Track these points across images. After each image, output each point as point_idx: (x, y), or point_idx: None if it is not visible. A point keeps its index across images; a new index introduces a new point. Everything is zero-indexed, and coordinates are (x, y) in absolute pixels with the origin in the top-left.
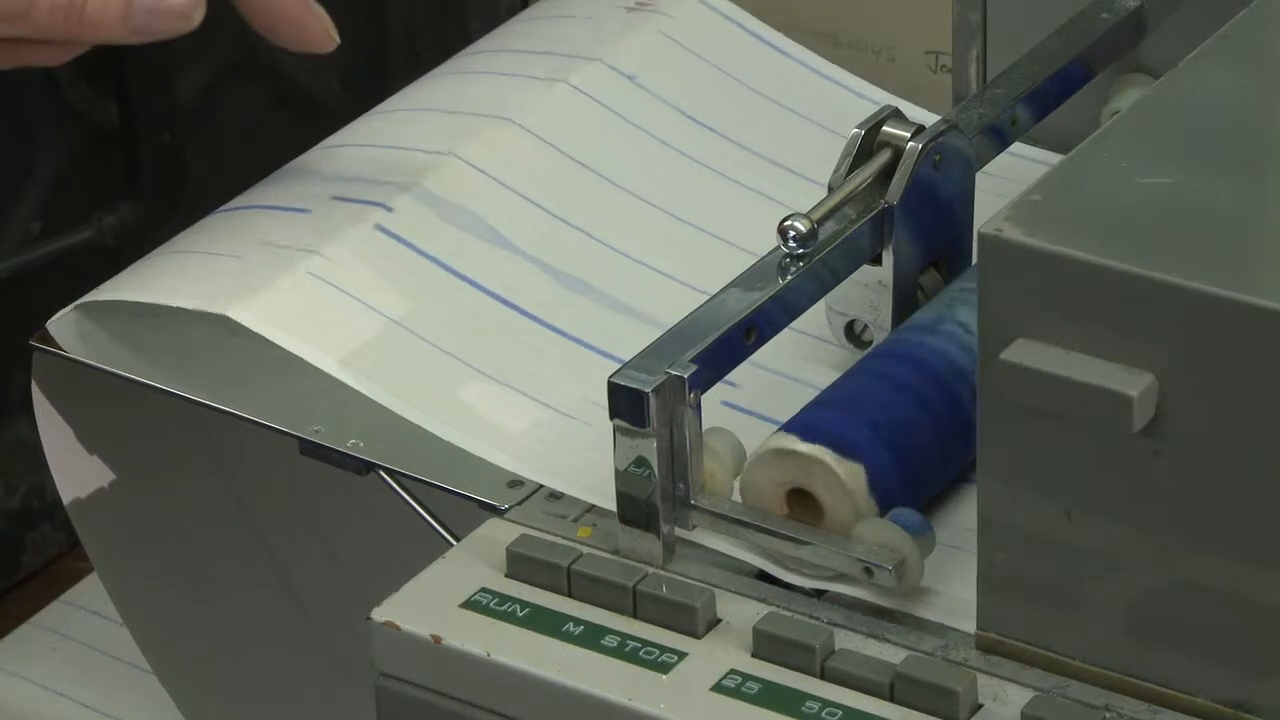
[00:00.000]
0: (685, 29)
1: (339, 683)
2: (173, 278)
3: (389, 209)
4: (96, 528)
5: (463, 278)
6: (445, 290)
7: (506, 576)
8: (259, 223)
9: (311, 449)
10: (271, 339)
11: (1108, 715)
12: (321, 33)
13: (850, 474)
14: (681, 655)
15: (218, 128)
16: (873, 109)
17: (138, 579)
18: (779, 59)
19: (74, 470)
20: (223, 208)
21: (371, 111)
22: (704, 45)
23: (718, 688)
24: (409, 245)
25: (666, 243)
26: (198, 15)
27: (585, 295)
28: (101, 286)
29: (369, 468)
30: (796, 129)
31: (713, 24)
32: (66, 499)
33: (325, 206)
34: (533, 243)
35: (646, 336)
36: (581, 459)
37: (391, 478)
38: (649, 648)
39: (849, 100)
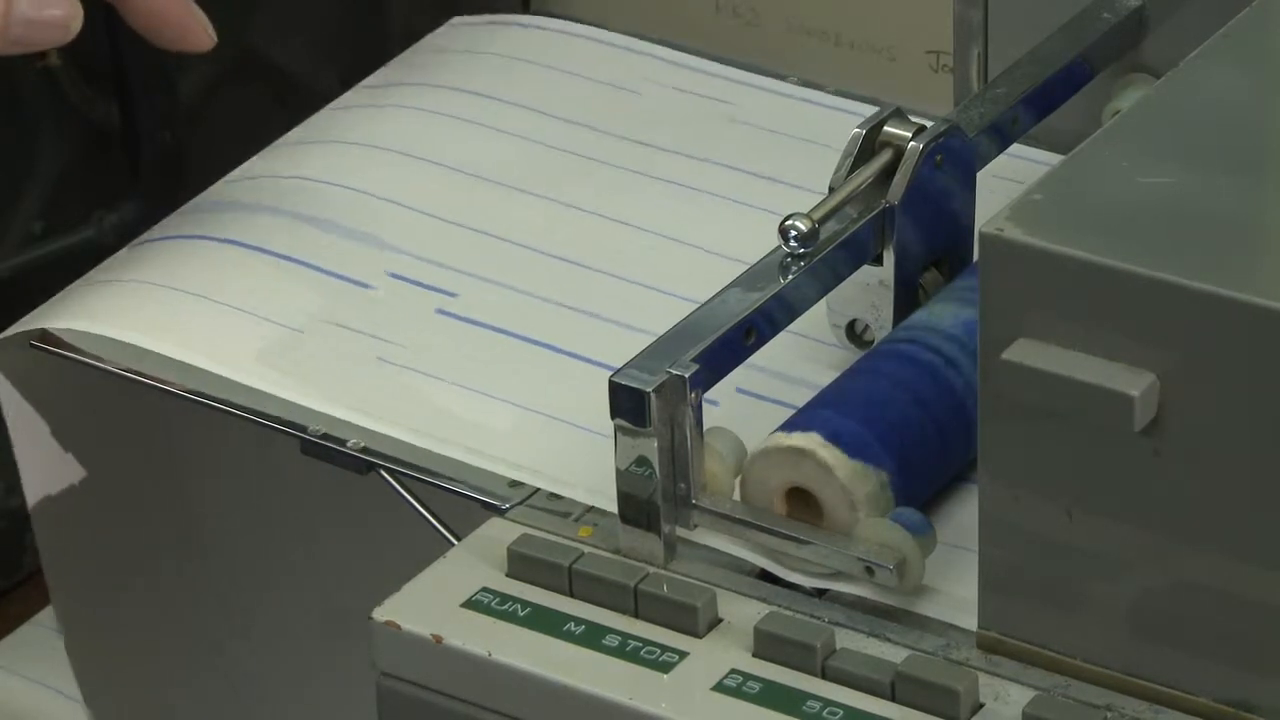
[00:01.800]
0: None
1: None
2: (112, 308)
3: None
4: (56, 533)
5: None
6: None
7: (507, 576)
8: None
9: (313, 449)
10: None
11: (1109, 715)
12: (201, 32)
13: (850, 473)
14: (682, 655)
15: (218, 127)
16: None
17: (90, 607)
18: (623, 54)
19: (42, 469)
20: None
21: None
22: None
23: (719, 687)
24: (267, 252)
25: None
26: (75, 26)
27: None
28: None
29: (370, 467)
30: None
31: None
32: (31, 500)
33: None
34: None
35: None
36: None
37: (392, 477)
38: (650, 647)
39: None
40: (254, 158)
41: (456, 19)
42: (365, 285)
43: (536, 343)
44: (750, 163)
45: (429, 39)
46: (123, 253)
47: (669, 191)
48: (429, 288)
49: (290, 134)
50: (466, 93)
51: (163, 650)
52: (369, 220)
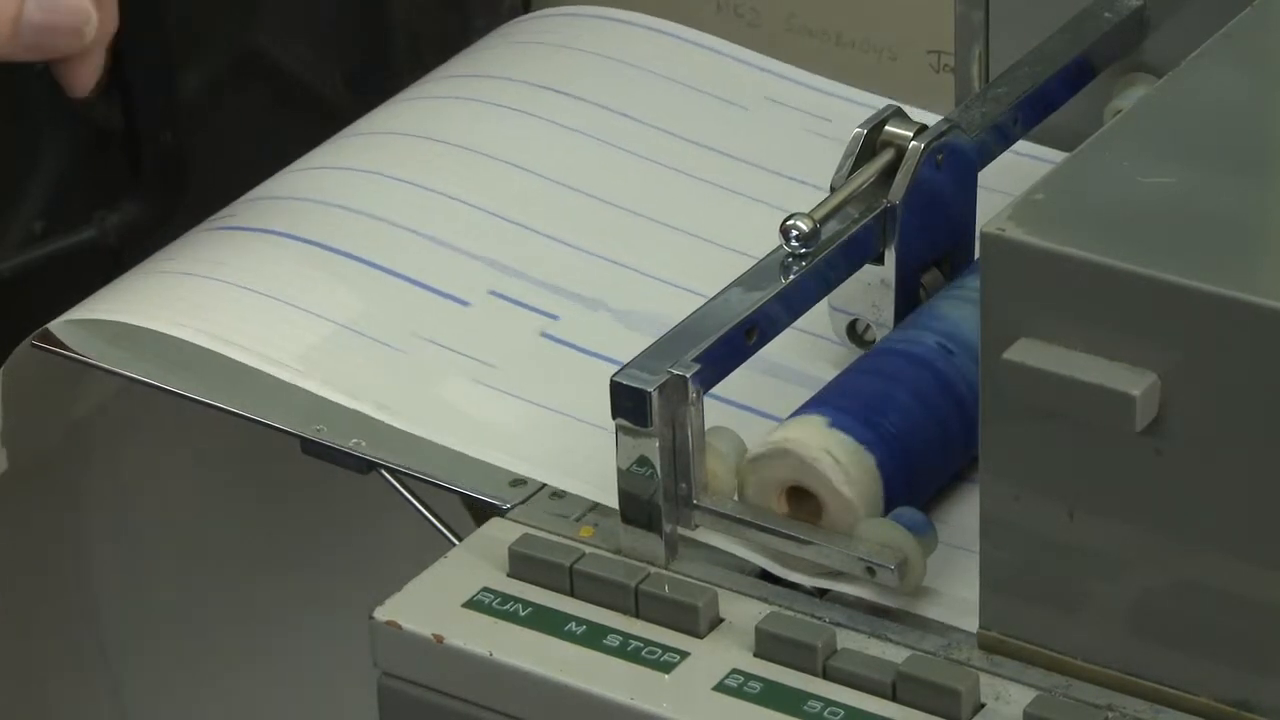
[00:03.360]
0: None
1: None
2: (141, 297)
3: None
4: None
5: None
6: (385, 290)
7: (508, 576)
8: (206, 242)
9: (314, 448)
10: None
11: (1110, 715)
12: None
13: (851, 472)
14: (684, 655)
15: (220, 126)
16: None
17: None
18: (682, 45)
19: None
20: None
21: (353, 129)
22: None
23: (720, 687)
24: (336, 251)
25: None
26: (89, 31)
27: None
28: (80, 306)
29: (371, 467)
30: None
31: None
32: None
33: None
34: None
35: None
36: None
37: (394, 477)
38: (651, 647)
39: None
40: (311, 153)
41: (535, 12)
42: (401, 275)
43: (546, 337)
44: (759, 159)
45: (494, 34)
46: (167, 247)
47: (693, 186)
48: (431, 290)
49: (346, 129)
50: (523, 84)
51: (158, 646)
52: (393, 210)
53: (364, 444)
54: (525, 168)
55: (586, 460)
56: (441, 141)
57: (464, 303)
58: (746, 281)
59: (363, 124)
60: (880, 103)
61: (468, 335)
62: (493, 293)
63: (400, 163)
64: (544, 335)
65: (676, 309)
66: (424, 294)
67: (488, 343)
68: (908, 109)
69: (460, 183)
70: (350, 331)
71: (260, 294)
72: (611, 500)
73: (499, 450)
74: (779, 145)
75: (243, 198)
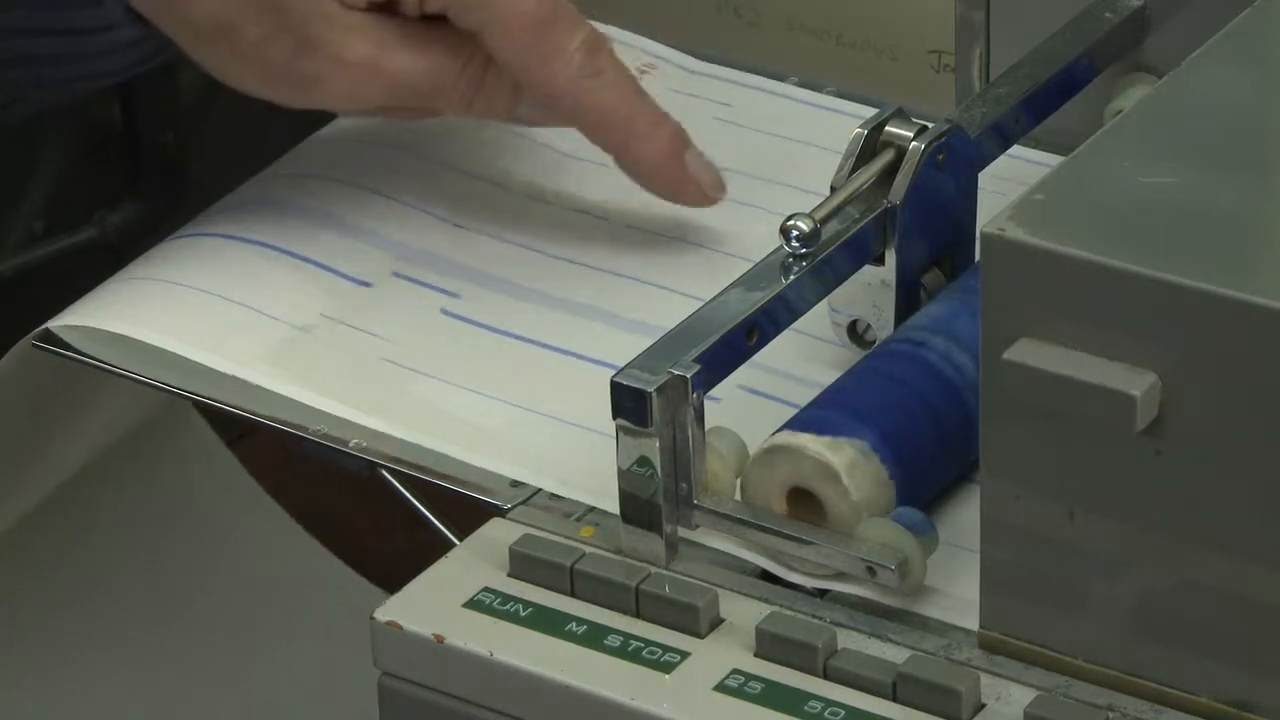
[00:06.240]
0: None
1: None
2: (121, 307)
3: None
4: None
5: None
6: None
7: (509, 576)
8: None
9: (315, 449)
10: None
11: (1110, 715)
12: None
13: (852, 473)
14: (684, 655)
15: (219, 127)
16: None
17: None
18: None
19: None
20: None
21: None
22: None
23: (720, 687)
24: (298, 257)
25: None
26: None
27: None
28: (67, 312)
29: (371, 467)
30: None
31: None
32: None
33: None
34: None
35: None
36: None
37: (394, 477)
38: (652, 647)
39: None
40: (285, 156)
41: None
42: (368, 284)
43: (538, 344)
44: (749, 164)
45: None
46: (151, 251)
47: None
48: (433, 288)
49: (318, 133)
50: None
51: (155, 648)
52: (374, 219)
53: (365, 444)
54: (496, 181)
55: (583, 465)
56: (411, 151)
57: (454, 316)
58: (747, 282)
59: (334, 130)
60: (856, 106)
61: (434, 340)
62: (452, 300)
63: (366, 170)
64: (527, 341)
65: (668, 312)
66: (383, 296)
67: (474, 352)
68: (908, 109)
69: (425, 193)
70: (336, 340)
71: (234, 301)
72: (605, 505)
73: (496, 457)
74: (778, 164)
75: (217, 204)
